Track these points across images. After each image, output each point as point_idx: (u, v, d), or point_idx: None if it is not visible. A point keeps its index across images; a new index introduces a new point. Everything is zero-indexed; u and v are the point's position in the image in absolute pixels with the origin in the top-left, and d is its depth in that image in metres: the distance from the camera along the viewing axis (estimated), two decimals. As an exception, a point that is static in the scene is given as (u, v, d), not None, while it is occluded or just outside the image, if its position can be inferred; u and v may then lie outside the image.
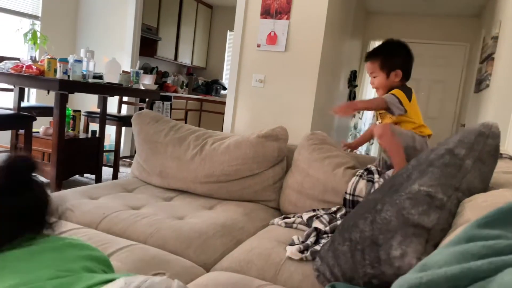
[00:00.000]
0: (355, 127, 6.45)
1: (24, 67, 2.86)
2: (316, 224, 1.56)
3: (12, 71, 2.87)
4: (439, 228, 1.00)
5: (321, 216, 1.64)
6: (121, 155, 4.32)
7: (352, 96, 5.86)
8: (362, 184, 1.70)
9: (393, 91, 1.82)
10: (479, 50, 4.72)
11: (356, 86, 6.04)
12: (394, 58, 1.85)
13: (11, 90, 3.46)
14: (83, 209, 1.65)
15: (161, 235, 1.49)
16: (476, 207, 0.95)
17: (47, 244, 0.84)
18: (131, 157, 4.59)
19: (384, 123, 1.78)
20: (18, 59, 3.28)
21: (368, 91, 6.45)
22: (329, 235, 1.48)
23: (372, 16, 6.41)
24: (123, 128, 4.35)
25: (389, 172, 1.74)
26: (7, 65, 2.96)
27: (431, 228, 1.00)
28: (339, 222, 1.56)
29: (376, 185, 1.67)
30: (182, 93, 6.26)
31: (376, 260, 1.03)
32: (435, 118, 6.11)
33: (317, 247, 1.36)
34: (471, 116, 4.80)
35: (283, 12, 3.75)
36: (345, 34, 4.78)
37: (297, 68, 3.78)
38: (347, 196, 1.72)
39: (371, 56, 1.90)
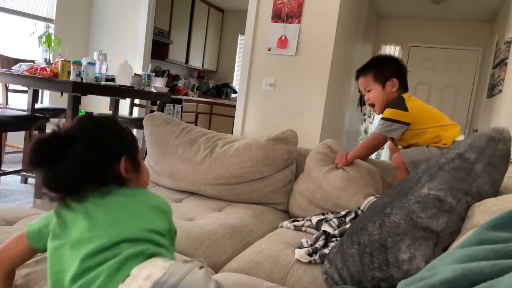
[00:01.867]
0: (366, 132, 6.42)
1: (39, 69, 2.91)
2: (325, 227, 1.56)
3: (27, 73, 2.92)
4: (448, 231, 1.00)
5: (330, 219, 1.63)
6: (132, 157, 4.35)
7: (362, 101, 5.83)
8: None
9: (383, 114, 1.75)
10: (492, 55, 4.68)
11: (367, 90, 6.00)
12: (386, 67, 1.79)
13: (25, 91, 3.52)
14: (94, 209, 1.67)
15: (171, 235, 1.50)
16: (486, 211, 0.94)
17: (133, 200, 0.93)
18: (141, 159, 4.62)
19: (398, 155, 1.72)
20: (32, 61, 3.34)
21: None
22: (338, 238, 1.48)
23: (383, 20, 6.38)
24: (134, 130, 4.39)
25: None
26: (22, 67, 3.02)
27: (440, 231, 0.99)
28: (348, 226, 1.55)
29: None
30: (192, 96, 6.30)
31: (385, 263, 1.03)
32: (447, 123, 6.06)
33: (326, 250, 1.36)
34: (484, 121, 4.75)
35: (294, 16, 3.76)
36: (356, 38, 4.78)
37: (307, 72, 3.78)
38: (359, 212, 1.69)
39: (363, 70, 1.84)
